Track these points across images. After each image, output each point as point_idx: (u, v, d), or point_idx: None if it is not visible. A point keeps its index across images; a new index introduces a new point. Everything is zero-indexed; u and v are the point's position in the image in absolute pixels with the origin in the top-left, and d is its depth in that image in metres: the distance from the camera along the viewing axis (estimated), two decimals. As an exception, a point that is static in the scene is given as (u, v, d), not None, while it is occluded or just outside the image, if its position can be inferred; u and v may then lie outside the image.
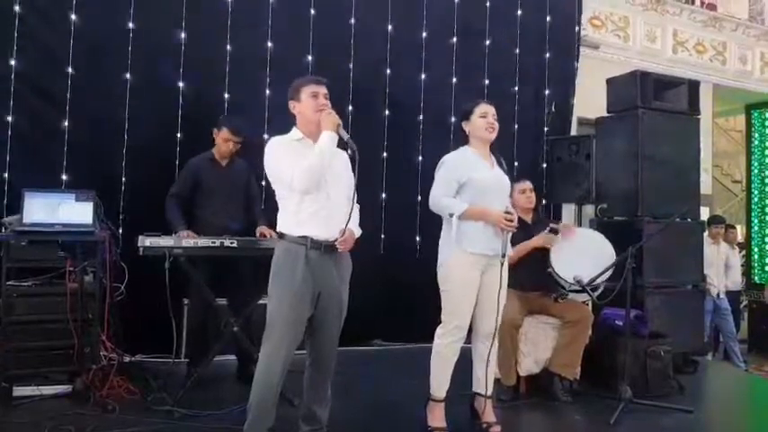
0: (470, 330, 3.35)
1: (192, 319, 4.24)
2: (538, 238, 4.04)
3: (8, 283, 3.70)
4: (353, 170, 2.78)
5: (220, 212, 3.94)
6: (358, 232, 2.86)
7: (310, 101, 2.77)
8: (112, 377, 3.71)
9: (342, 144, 2.80)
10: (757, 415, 4.31)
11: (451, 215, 3.21)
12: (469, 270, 3.21)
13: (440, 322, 3.29)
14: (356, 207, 2.82)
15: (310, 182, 2.65)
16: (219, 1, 4.94)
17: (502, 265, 3.23)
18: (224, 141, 4.08)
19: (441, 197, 3.26)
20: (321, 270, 2.69)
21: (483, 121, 3.32)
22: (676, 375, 4.35)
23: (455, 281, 3.22)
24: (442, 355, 3.26)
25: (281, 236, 2.74)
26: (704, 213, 6.09)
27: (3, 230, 3.78)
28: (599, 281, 3.89)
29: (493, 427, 3.30)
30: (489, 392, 3.35)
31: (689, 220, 5.13)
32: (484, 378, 3.31)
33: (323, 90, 2.81)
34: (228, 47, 4.93)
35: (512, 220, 3.19)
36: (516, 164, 6.05)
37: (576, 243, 4.05)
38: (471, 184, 3.23)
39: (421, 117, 5.62)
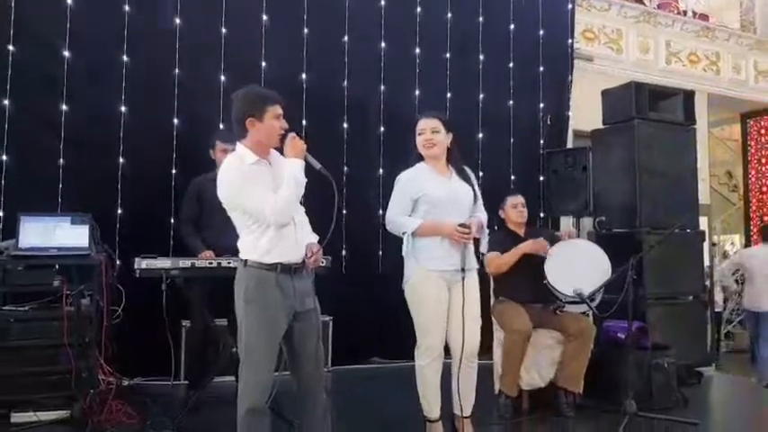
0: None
1: (192, 341, 4.20)
2: (525, 244, 4.00)
3: (5, 307, 3.69)
4: (334, 198, 2.63)
5: (223, 232, 3.83)
6: (316, 238, 2.82)
7: (274, 123, 2.63)
8: (111, 401, 3.66)
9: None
10: (763, 427, 4.27)
11: (404, 233, 3.20)
12: (433, 286, 3.17)
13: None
14: (303, 212, 2.82)
15: (288, 217, 2.62)
16: (214, 34, 4.96)
17: (464, 279, 3.18)
18: (222, 153, 4.00)
19: (395, 216, 3.25)
20: (294, 291, 2.65)
21: (420, 138, 3.29)
22: (681, 387, 4.32)
23: (420, 300, 3.18)
24: (423, 376, 3.21)
25: (246, 262, 2.65)
26: (703, 223, 6.04)
27: (-1, 255, 3.75)
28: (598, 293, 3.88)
29: None
30: (467, 413, 3.27)
31: (688, 230, 5.12)
32: (457, 398, 3.22)
33: (282, 110, 2.67)
34: (222, 77, 4.93)
35: (467, 233, 3.13)
36: (513, 177, 6.06)
37: (570, 254, 4.03)
38: (425, 200, 3.20)
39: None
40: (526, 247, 4.01)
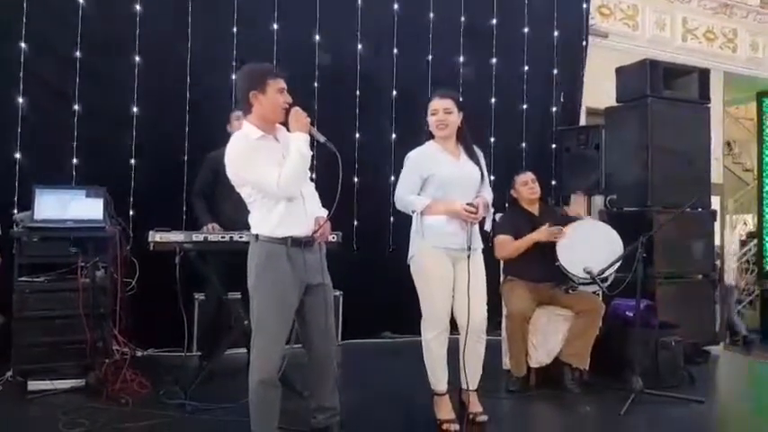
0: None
1: (205, 313, 4.26)
2: (538, 232, 4.00)
3: (21, 279, 3.75)
4: (338, 171, 2.62)
5: (240, 206, 3.81)
6: (325, 213, 2.83)
7: (278, 97, 2.65)
8: (125, 371, 3.74)
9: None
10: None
11: (414, 212, 3.22)
12: (439, 263, 3.20)
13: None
14: (312, 188, 2.84)
15: (295, 190, 2.64)
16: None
17: (469, 257, 3.19)
18: (237, 121, 3.94)
19: (404, 194, 3.26)
20: (304, 264, 2.69)
21: (433, 118, 3.29)
22: (687, 366, 4.33)
23: (426, 274, 3.22)
24: (429, 350, 3.25)
25: (258, 237, 2.68)
26: (715, 203, 6.02)
27: (14, 227, 3.81)
28: (609, 272, 3.89)
29: (479, 417, 3.28)
30: (473, 386, 3.31)
31: (700, 209, 5.10)
32: (464, 372, 3.26)
33: (285, 84, 2.70)
34: (234, 50, 4.93)
35: (474, 212, 3.15)
36: (525, 154, 6.03)
37: (582, 234, 4.04)
38: (434, 180, 3.21)
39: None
40: (539, 235, 3.99)
